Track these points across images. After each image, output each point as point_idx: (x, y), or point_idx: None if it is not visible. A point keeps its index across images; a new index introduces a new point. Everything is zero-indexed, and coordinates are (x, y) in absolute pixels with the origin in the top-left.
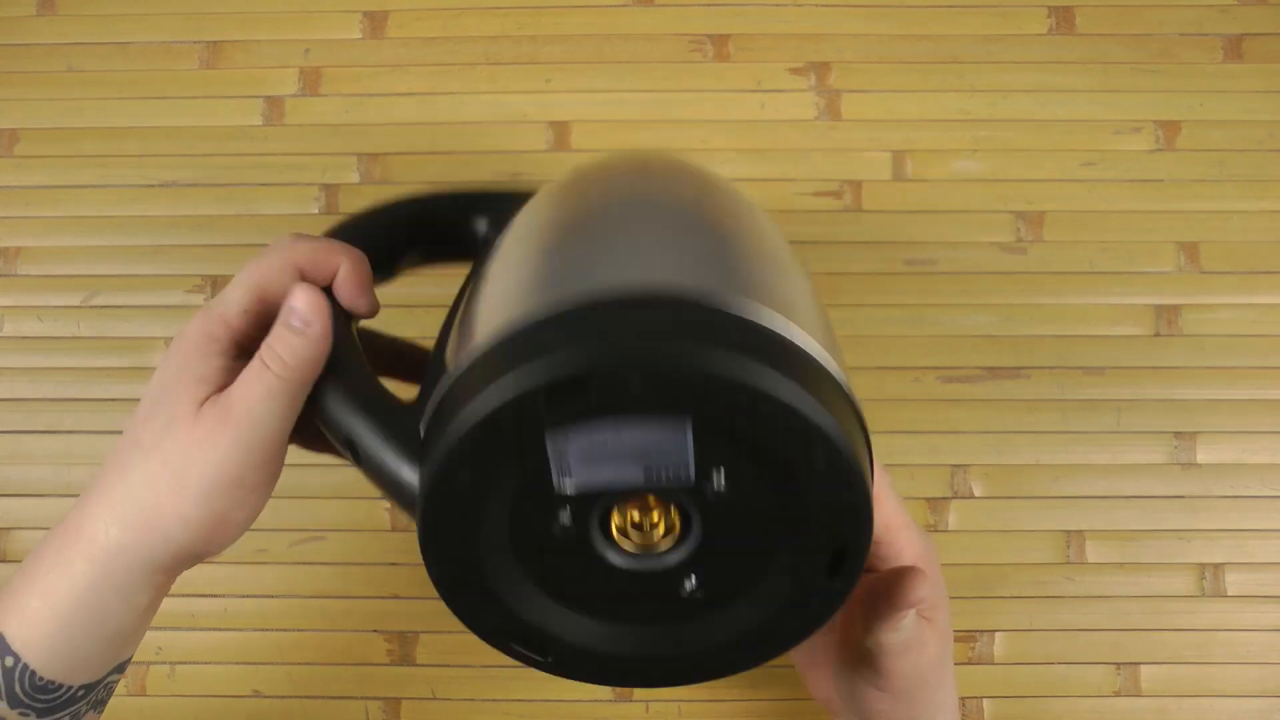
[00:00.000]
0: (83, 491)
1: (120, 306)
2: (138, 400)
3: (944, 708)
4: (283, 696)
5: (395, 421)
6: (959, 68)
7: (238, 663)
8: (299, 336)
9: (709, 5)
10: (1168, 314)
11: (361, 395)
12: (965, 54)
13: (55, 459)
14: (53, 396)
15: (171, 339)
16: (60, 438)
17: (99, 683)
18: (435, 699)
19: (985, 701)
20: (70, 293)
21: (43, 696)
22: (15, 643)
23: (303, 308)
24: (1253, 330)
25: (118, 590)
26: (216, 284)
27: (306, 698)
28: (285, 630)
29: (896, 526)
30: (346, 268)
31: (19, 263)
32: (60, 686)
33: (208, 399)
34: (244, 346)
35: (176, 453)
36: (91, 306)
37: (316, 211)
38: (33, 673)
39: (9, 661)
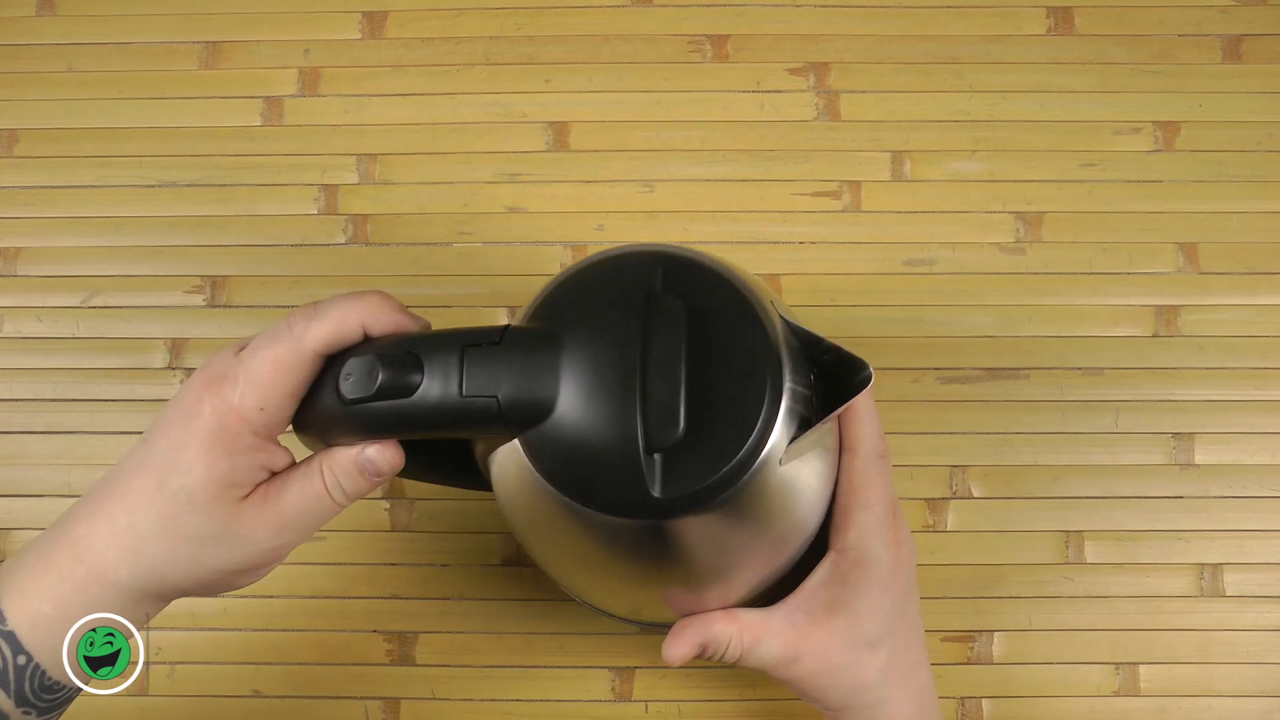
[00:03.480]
0: (87, 500)
1: (120, 307)
2: (137, 400)
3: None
4: (283, 696)
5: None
6: (958, 68)
7: (238, 663)
8: (367, 482)
9: (708, 5)
10: (1167, 314)
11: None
12: (965, 54)
13: (55, 459)
14: (52, 397)
15: (188, 377)
16: (60, 438)
17: None
18: (435, 699)
19: (984, 701)
20: (70, 293)
21: (47, 696)
22: (28, 642)
23: (384, 467)
24: (1252, 331)
25: (132, 612)
26: (216, 284)
27: (306, 698)
28: (285, 630)
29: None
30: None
31: (19, 263)
32: (64, 687)
33: (245, 497)
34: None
35: (203, 536)
36: (91, 307)
37: (316, 212)
38: (43, 673)
39: (21, 660)
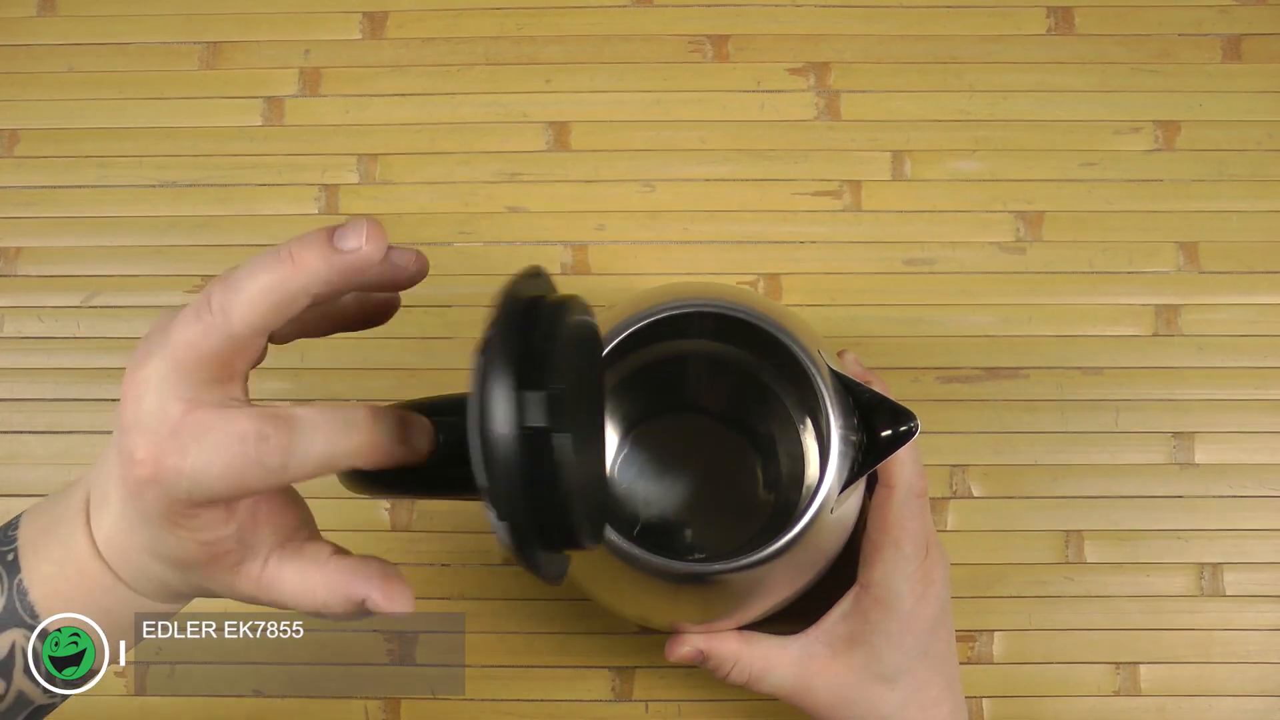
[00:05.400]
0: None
1: (120, 306)
2: None
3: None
4: (283, 696)
5: None
6: (959, 68)
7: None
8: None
9: (709, 5)
10: (1167, 314)
11: None
12: (965, 54)
13: (55, 459)
14: (53, 397)
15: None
16: (60, 438)
17: None
18: (435, 699)
19: (985, 701)
20: (70, 293)
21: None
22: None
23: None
24: (1252, 330)
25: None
26: None
27: (306, 698)
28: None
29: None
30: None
31: (19, 263)
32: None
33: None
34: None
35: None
36: (91, 307)
37: (316, 212)
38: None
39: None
